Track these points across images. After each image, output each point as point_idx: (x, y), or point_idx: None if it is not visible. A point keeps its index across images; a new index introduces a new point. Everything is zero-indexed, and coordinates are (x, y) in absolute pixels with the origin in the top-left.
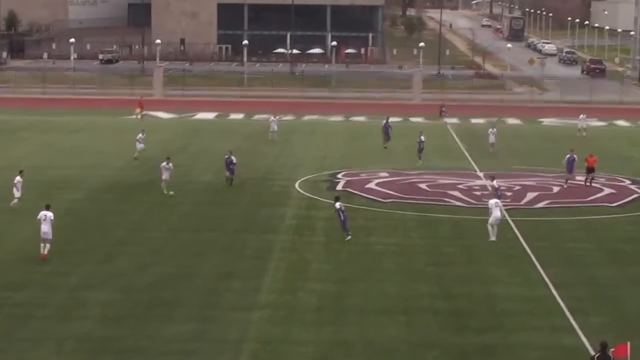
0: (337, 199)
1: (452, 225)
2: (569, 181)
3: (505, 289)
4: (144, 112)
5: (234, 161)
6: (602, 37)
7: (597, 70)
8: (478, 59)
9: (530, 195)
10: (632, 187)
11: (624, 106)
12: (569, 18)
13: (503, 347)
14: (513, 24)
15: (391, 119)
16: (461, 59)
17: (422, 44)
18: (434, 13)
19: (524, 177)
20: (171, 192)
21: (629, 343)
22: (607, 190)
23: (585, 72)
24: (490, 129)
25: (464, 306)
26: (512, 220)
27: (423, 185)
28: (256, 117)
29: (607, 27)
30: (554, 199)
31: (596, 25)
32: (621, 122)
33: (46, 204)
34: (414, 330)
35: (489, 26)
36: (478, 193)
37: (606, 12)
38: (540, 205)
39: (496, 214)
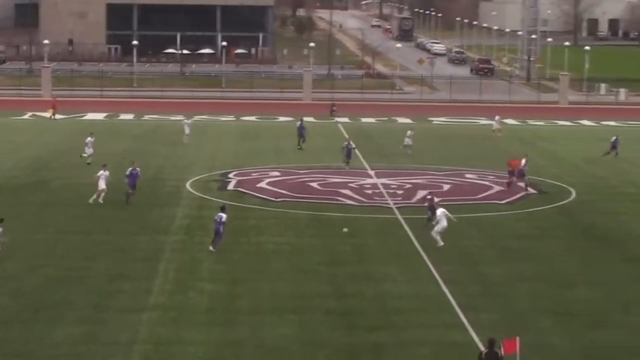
0: (222, 209)
1: (344, 223)
2: (527, 187)
3: (396, 286)
4: (54, 114)
5: (139, 174)
6: (491, 37)
7: (486, 70)
8: (368, 59)
9: (421, 193)
10: (521, 184)
11: (512, 105)
12: (458, 18)
13: (394, 345)
14: (402, 24)
15: (295, 120)
16: (351, 59)
17: (312, 44)
18: (323, 13)
19: (415, 175)
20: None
21: (517, 338)
22: (496, 188)
23: (474, 71)
24: (409, 131)
25: (355, 305)
26: (403, 219)
27: (314, 184)
28: (146, 117)
29: (495, 27)
30: (445, 197)
31: (484, 25)
32: (510, 121)
33: None
34: (305, 330)
35: (379, 26)
36: (369, 191)
37: (494, 13)
38: None
39: (443, 223)
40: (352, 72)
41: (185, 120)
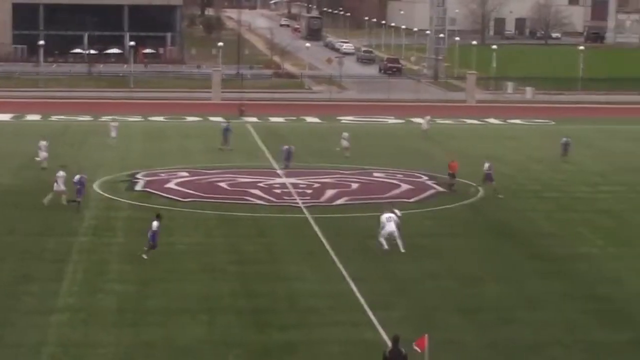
0: (157, 217)
1: (253, 223)
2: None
3: (306, 285)
4: None
5: (85, 181)
6: (399, 37)
7: (394, 69)
8: (277, 59)
9: (330, 193)
10: (429, 182)
11: (420, 104)
12: (366, 18)
13: (305, 343)
14: (311, 24)
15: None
16: (260, 59)
17: (221, 43)
18: (232, 13)
19: (324, 174)
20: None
21: (426, 335)
22: (405, 186)
23: (382, 70)
24: (344, 133)
25: (266, 304)
26: (312, 218)
27: (223, 184)
28: (53, 117)
29: (403, 27)
30: (353, 196)
31: (393, 24)
32: (417, 119)
33: None
34: (216, 330)
35: (288, 26)
36: (278, 191)
37: (402, 12)
38: (339, 202)
39: (389, 228)
40: (261, 71)
41: (112, 123)
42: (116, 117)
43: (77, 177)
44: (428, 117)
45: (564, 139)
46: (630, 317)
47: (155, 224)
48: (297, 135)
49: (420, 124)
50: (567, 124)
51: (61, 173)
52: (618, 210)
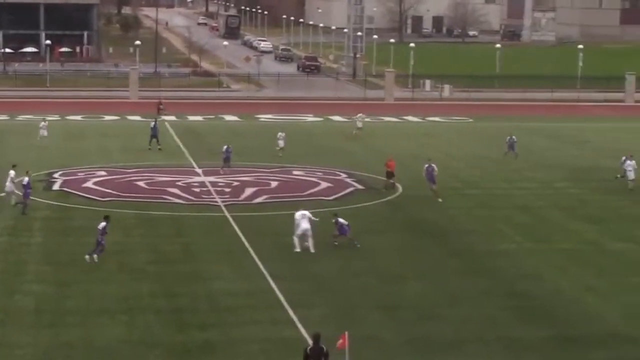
0: (105, 218)
1: (172, 222)
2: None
3: (226, 284)
4: None
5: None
6: (317, 35)
7: (313, 67)
8: (195, 57)
9: (249, 191)
10: (348, 180)
11: (338, 102)
12: (284, 16)
13: (224, 342)
14: (229, 22)
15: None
16: (178, 57)
17: (138, 42)
18: (149, 11)
19: (243, 172)
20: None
21: (346, 333)
22: (324, 184)
23: (300, 68)
24: (280, 133)
25: (186, 303)
26: (231, 216)
27: (141, 183)
28: None
29: (321, 25)
30: (272, 194)
31: (311, 22)
32: (336, 117)
33: None
34: (135, 330)
35: (205, 24)
36: (197, 190)
37: (320, 10)
38: (259, 200)
39: (304, 225)
40: (179, 70)
41: (42, 123)
42: (46, 117)
43: (26, 179)
44: (360, 115)
45: (509, 138)
46: (549, 313)
47: (103, 224)
48: (215, 133)
49: (355, 122)
50: (484, 121)
51: (12, 173)
52: (536, 206)
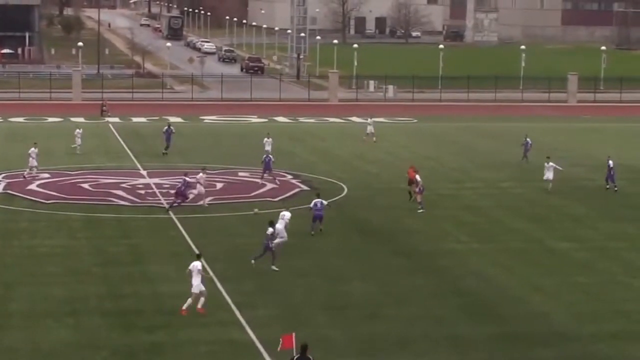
0: (271, 224)
1: (117, 224)
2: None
3: (172, 286)
4: None
5: None
6: (260, 36)
7: (256, 68)
8: (138, 58)
9: (194, 193)
10: (294, 181)
11: (282, 102)
12: (227, 17)
13: (171, 345)
14: (172, 23)
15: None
16: (121, 58)
17: (80, 43)
18: (92, 12)
19: (189, 174)
20: None
21: (294, 334)
22: (269, 185)
23: (244, 70)
24: (266, 139)
25: (132, 305)
26: (177, 218)
27: (86, 186)
28: None
29: (264, 26)
30: (218, 196)
31: (254, 23)
32: (281, 118)
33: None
34: (81, 332)
35: (148, 25)
36: (142, 192)
37: (263, 11)
38: (205, 201)
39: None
40: (122, 71)
41: None
42: None
43: None
44: (372, 119)
45: (525, 140)
46: (495, 312)
47: (270, 230)
48: (160, 135)
49: (367, 126)
50: (429, 121)
51: None
52: (481, 206)
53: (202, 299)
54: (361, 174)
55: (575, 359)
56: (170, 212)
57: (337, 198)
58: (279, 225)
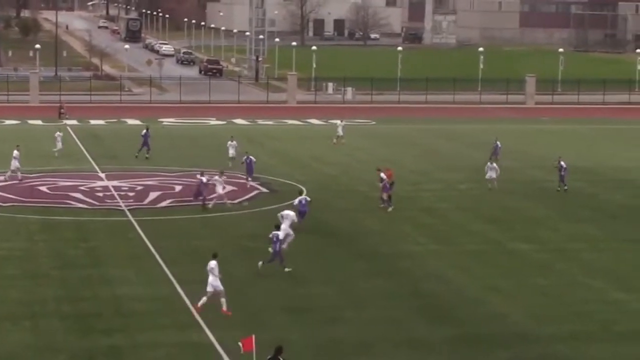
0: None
1: (76, 227)
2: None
3: (131, 289)
4: None
5: None
6: (219, 38)
7: (215, 70)
8: (96, 60)
9: (153, 195)
10: (252, 183)
11: (241, 105)
12: (186, 19)
13: (130, 347)
14: (130, 25)
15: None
16: (79, 61)
17: (38, 45)
18: (49, 14)
19: (146, 177)
20: None
21: (253, 336)
22: (228, 188)
23: (203, 72)
24: (230, 142)
25: (91, 308)
26: (136, 220)
27: (44, 188)
28: None
29: (223, 28)
30: (177, 198)
31: (212, 26)
32: (239, 121)
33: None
34: (40, 335)
35: (106, 27)
36: (100, 194)
37: (221, 14)
38: (163, 204)
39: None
40: (80, 73)
41: None
42: None
43: None
44: (342, 122)
45: (495, 142)
46: (454, 314)
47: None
48: (118, 137)
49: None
50: (387, 123)
51: None
52: (439, 208)
53: (222, 300)
54: (320, 176)
55: None
56: (129, 215)
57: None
58: (284, 225)
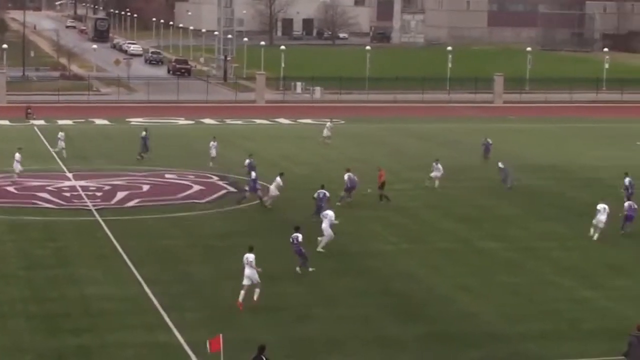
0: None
1: (43, 227)
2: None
3: (99, 289)
4: None
5: None
6: (187, 38)
7: (183, 70)
8: (64, 60)
9: (121, 195)
10: (221, 183)
11: (209, 105)
12: (154, 19)
13: (98, 347)
14: (98, 25)
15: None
16: (47, 60)
17: (5, 45)
18: (16, 14)
19: (114, 176)
20: None
21: (221, 335)
22: (196, 187)
23: (171, 72)
24: (212, 142)
25: (58, 308)
26: (103, 220)
27: (10, 188)
28: None
29: (191, 28)
30: (145, 198)
31: (181, 25)
32: (208, 120)
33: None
34: (7, 336)
35: (74, 27)
36: (67, 194)
37: (190, 13)
38: (131, 204)
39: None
40: (48, 73)
41: None
42: None
43: None
44: (330, 123)
45: (485, 140)
46: (424, 312)
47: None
48: (86, 137)
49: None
50: (356, 122)
51: None
52: (409, 207)
53: (257, 290)
54: (289, 175)
55: (504, 359)
56: (97, 215)
57: (266, 199)
58: (324, 224)
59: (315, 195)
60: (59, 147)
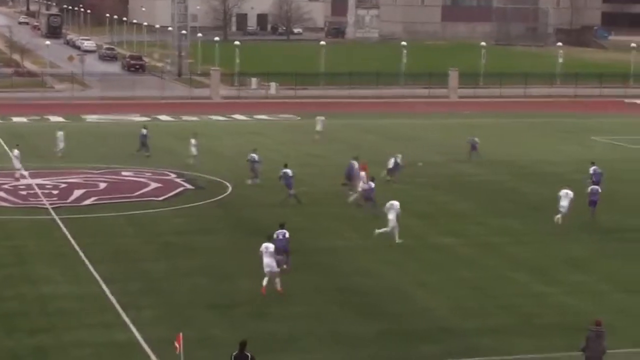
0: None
1: None
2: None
3: (56, 288)
4: None
5: None
6: (141, 33)
7: (137, 66)
8: (17, 57)
9: (77, 193)
10: (178, 180)
11: (165, 101)
12: (108, 15)
13: (56, 347)
14: (51, 21)
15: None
16: None
17: None
18: None
19: (70, 174)
20: None
21: (180, 334)
22: (153, 185)
23: (125, 68)
24: (192, 140)
25: (14, 308)
26: (60, 219)
27: None
28: None
29: (145, 23)
30: (101, 196)
31: (135, 21)
32: (164, 117)
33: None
34: None
35: (27, 23)
36: (24, 192)
37: (144, 9)
38: (87, 202)
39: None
40: (1, 70)
41: None
42: None
43: None
44: (321, 118)
45: (470, 138)
46: (380, 308)
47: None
48: (41, 135)
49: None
50: (311, 118)
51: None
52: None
53: (277, 280)
54: (245, 171)
55: (460, 354)
56: (54, 213)
57: (222, 196)
58: (391, 216)
59: (281, 173)
60: (59, 148)
